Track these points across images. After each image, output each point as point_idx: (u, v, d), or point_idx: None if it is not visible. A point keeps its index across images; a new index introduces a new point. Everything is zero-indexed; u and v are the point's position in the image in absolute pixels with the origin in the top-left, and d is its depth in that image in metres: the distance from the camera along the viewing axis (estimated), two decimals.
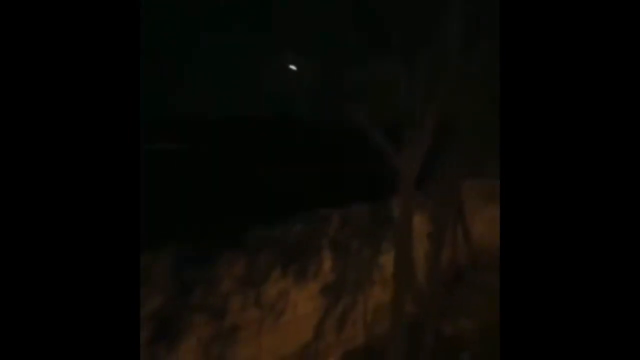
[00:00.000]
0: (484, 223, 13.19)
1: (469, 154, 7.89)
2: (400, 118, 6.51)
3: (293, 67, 6.37)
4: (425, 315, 9.50)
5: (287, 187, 9.11)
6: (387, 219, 10.57)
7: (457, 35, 5.99)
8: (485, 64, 5.54)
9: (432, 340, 9.03)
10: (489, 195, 12.63)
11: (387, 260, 10.85)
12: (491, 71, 9.77)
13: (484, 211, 12.91)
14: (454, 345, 9.28)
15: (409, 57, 6.28)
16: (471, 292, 10.82)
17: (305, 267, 9.16)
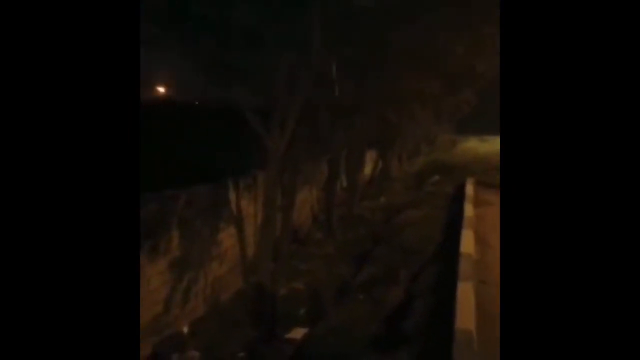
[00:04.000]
0: (298, 202, 15.01)
1: (317, 139, 9.39)
2: (271, 104, 7.65)
3: None
4: (262, 283, 10.78)
5: (145, 166, 9.43)
6: (224, 200, 11.56)
7: (318, 37, 7.39)
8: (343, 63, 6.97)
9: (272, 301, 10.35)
10: (306, 174, 14.51)
11: (224, 237, 11.87)
12: (348, 72, 11.54)
13: (300, 191, 14.72)
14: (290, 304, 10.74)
15: (278, 53, 7.47)
16: (297, 261, 12.47)
17: (157, 244, 9.64)
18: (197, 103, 15.59)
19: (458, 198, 14.47)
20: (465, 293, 6.31)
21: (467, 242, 8.66)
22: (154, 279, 9.61)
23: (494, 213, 11.18)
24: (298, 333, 9.61)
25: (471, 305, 5.99)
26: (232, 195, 11.71)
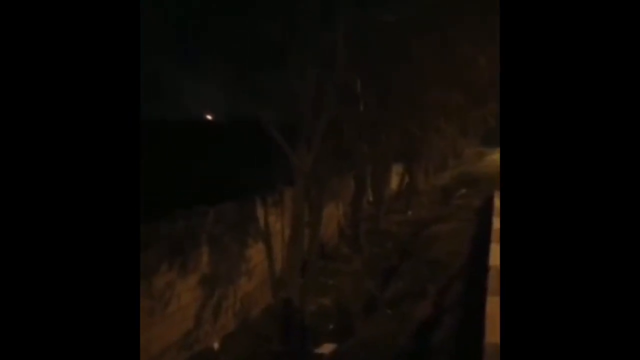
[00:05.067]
0: (325, 218, 15.10)
1: (343, 154, 9.49)
2: (297, 121, 7.80)
3: None
4: (291, 298, 10.85)
5: (174, 184, 9.70)
6: (252, 216, 11.72)
7: (343, 55, 7.54)
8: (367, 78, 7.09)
9: (301, 317, 10.40)
10: (332, 190, 14.57)
11: (252, 253, 12.01)
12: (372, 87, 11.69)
13: (326, 206, 14.80)
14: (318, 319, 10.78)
15: (302, 71, 7.63)
16: (324, 277, 12.51)
17: (187, 260, 9.82)
18: (224, 121, 16.03)
19: (486, 211, 14.35)
20: (494, 307, 6.27)
21: (496, 256, 8.58)
22: (185, 295, 9.76)
23: None
24: (327, 348, 9.64)
25: None
26: (259, 212, 11.85)
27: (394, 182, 22.58)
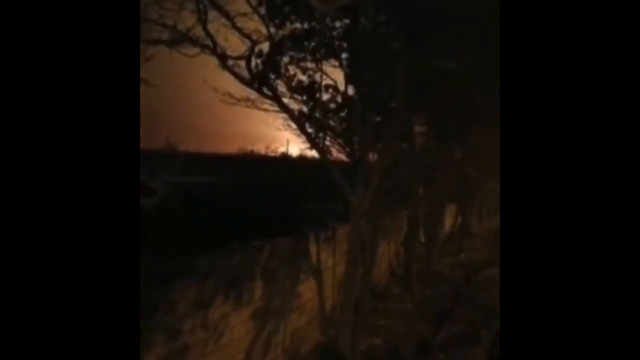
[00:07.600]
0: (377, 256, 15.07)
1: (398, 194, 9.58)
2: (355, 160, 7.99)
3: None
4: (341, 337, 10.81)
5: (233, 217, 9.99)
6: (305, 252, 11.85)
7: (402, 100, 7.73)
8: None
9: (351, 356, 10.32)
10: (385, 229, 14.57)
11: (303, 289, 12.09)
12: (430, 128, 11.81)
13: (379, 246, 14.78)
14: None
15: (363, 113, 7.86)
16: (375, 317, 12.40)
17: (241, 294, 10.00)
18: (277, 156, 16.47)
19: None
20: None
21: None
22: (237, 327, 9.90)
23: None
24: None
25: None
26: (312, 248, 11.97)
27: (447, 223, 22.28)
